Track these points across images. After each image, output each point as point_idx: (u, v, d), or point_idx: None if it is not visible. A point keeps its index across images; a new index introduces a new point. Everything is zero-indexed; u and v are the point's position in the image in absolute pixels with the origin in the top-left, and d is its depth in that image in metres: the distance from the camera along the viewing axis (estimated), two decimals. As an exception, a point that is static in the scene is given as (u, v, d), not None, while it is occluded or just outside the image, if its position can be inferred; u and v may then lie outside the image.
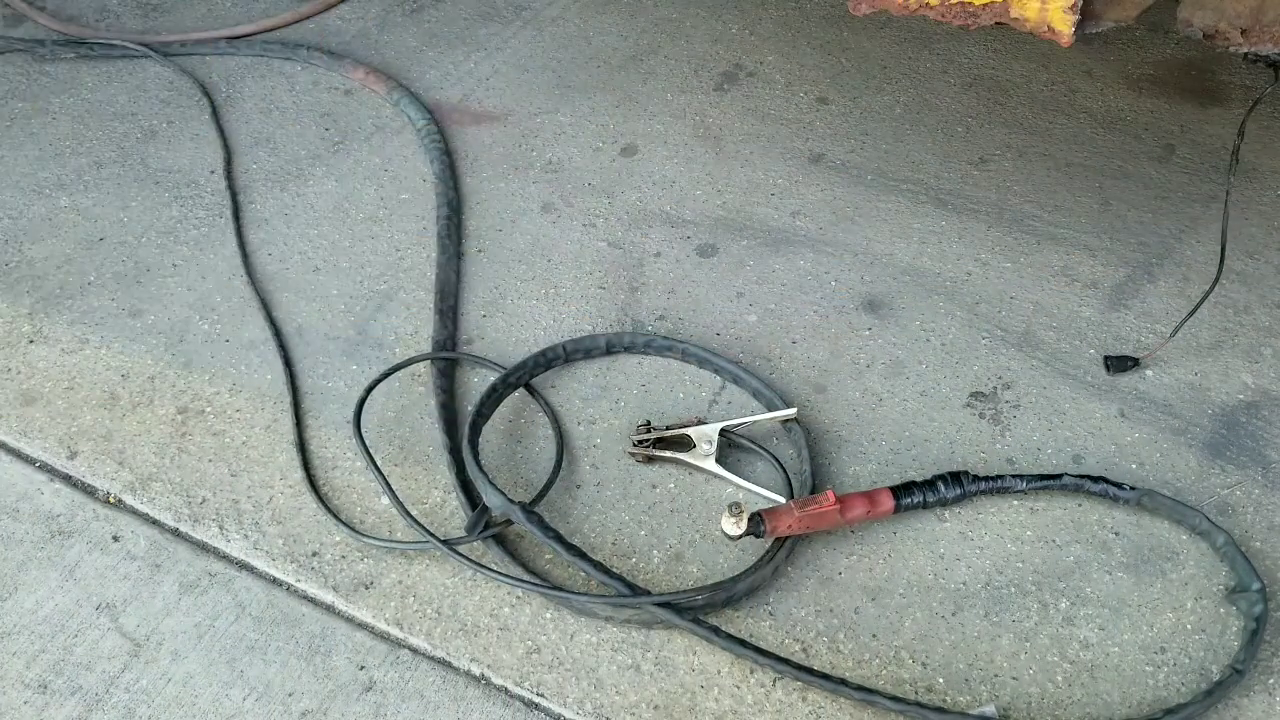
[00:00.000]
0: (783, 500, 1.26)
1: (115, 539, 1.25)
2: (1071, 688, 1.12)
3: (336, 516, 1.26)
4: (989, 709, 1.09)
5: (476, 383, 1.42)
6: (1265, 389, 1.40)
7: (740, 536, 1.18)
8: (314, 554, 1.24)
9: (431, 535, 1.21)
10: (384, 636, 1.17)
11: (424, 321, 1.49)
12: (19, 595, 1.20)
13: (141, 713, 1.11)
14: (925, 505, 1.25)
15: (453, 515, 1.27)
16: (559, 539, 1.19)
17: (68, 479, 1.32)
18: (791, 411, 1.33)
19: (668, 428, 1.34)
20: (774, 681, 1.13)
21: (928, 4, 1.11)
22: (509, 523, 1.22)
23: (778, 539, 1.20)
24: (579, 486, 1.31)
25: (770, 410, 1.35)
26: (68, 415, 1.38)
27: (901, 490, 1.24)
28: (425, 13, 2.05)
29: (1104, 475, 1.28)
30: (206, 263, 1.58)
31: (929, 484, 1.25)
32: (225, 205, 1.65)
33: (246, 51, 1.95)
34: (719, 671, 1.13)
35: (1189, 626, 1.17)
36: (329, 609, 1.20)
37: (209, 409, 1.39)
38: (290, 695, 1.12)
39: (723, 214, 1.65)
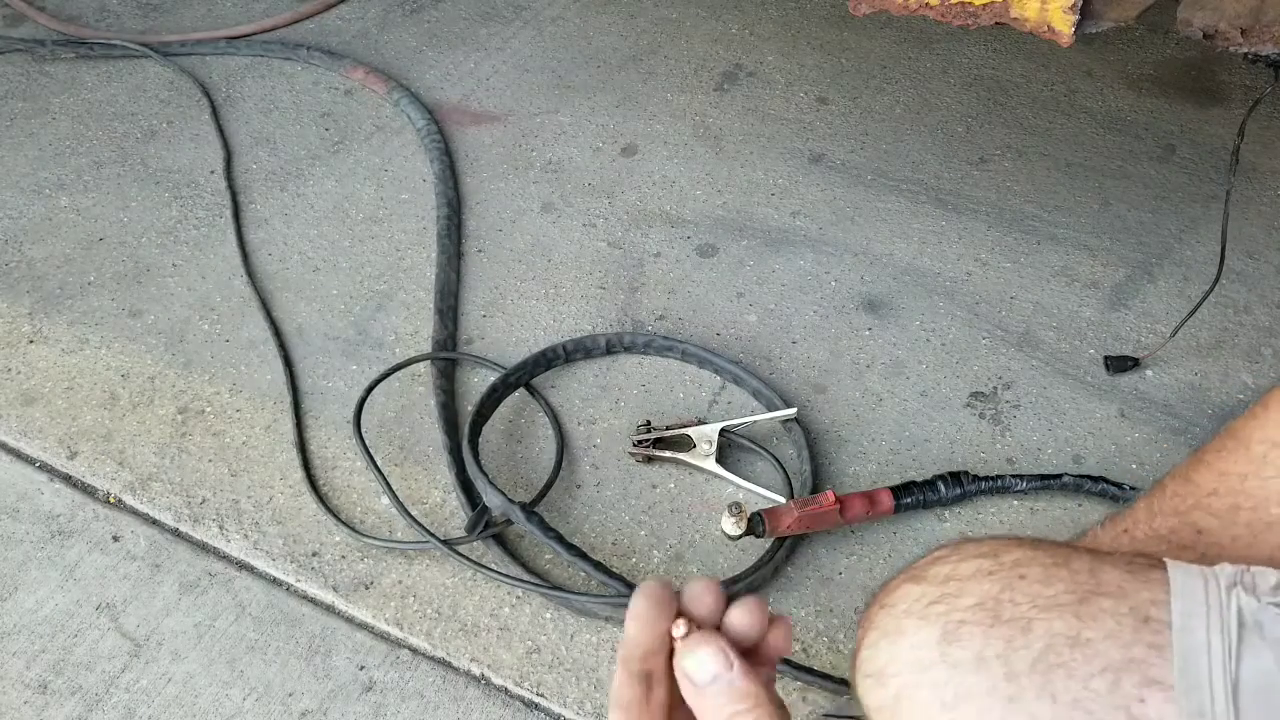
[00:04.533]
0: (783, 500, 1.26)
1: (115, 539, 1.25)
2: (1071, 688, 1.12)
3: (336, 516, 1.26)
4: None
5: (476, 383, 1.42)
6: (1265, 389, 1.39)
7: (740, 536, 1.18)
8: (314, 554, 1.24)
9: (431, 535, 1.21)
10: (384, 636, 1.17)
11: (424, 321, 1.49)
12: (19, 595, 1.20)
13: (142, 713, 1.11)
14: (925, 505, 1.25)
15: (453, 515, 1.27)
16: (559, 539, 1.19)
17: (68, 479, 1.32)
18: (791, 411, 1.33)
19: (668, 428, 1.34)
20: (774, 682, 1.13)
21: (928, 4, 1.11)
22: (509, 523, 1.22)
23: (778, 539, 1.20)
24: (579, 486, 1.31)
25: (770, 410, 1.35)
26: (68, 415, 1.38)
27: (901, 490, 1.24)
28: (425, 13, 2.05)
29: (1104, 475, 1.28)
30: (206, 263, 1.58)
31: (929, 484, 1.25)
32: (225, 205, 1.65)
33: (246, 51, 1.95)
34: (719, 671, 1.13)
35: (1189, 626, 1.17)
36: (329, 609, 1.20)
37: (209, 409, 1.39)
38: (290, 695, 1.12)
39: (723, 214, 1.65)
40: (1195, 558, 0.75)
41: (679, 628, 0.51)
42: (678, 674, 0.49)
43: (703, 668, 0.48)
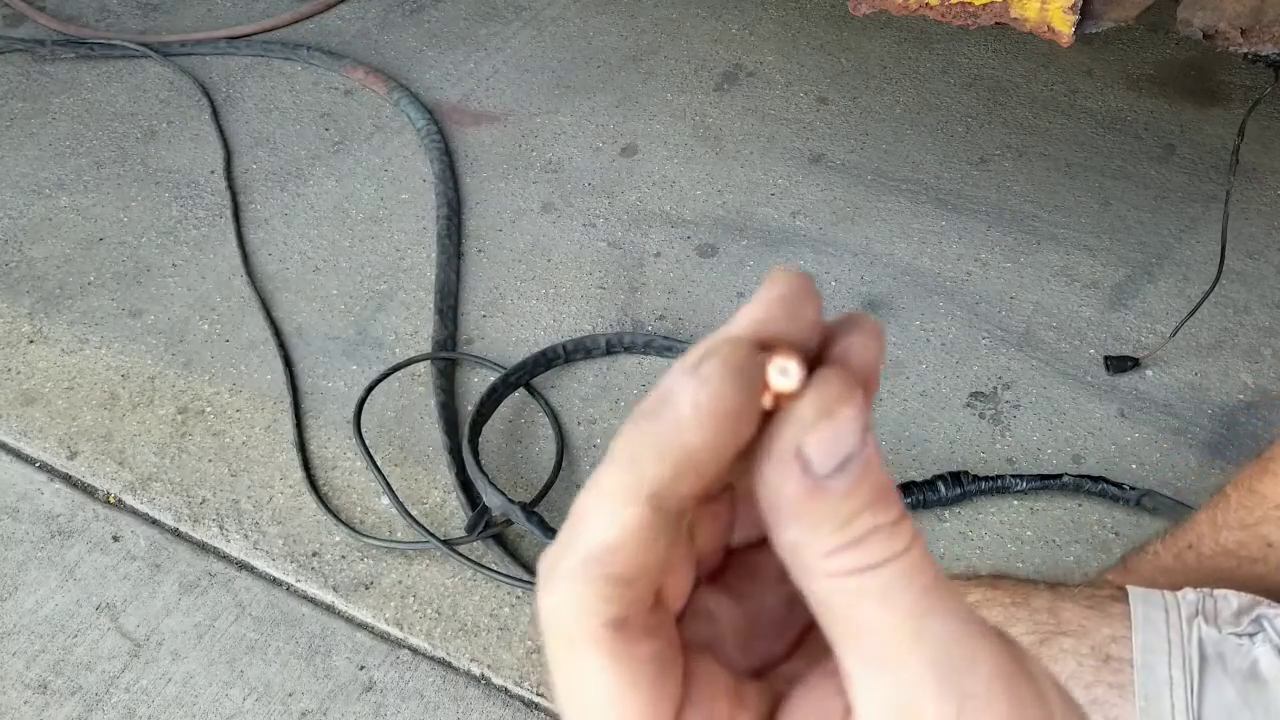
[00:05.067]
0: (783, 500, 1.25)
1: (115, 539, 1.25)
2: (1071, 688, 1.12)
3: (336, 516, 1.26)
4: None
5: (476, 383, 1.42)
6: (1265, 389, 1.40)
7: (740, 536, 1.17)
8: (314, 554, 1.24)
9: (431, 535, 1.21)
10: (384, 636, 1.17)
11: (424, 321, 1.49)
12: (19, 595, 1.20)
13: (141, 713, 1.11)
14: (925, 505, 1.25)
15: (453, 515, 1.27)
16: (559, 539, 1.19)
17: (68, 479, 1.32)
18: (791, 411, 1.32)
19: (668, 428, 1.33)
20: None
21: (928, 4, 1.11)
22: (509, 523, 1.22)
23: (778, 539, 1.20)
24: (579, 487, 1.30)
25: (770, 410, 1.35)
26: (68, 415, 1.38)
27: (901, 490, 1.24)
28: (425, 13, 2.05)
29: (1104, 475, 1.28)
30: (206, 263, 1.58)
31: (929, 484, 1.25)
32: (225, 205, 1.65)
33: (246, 51, 1.95)
34: (719, 671, 1.13)
35: (1189, 626, 1.17)
36: (329, 609, 1.20)
37: (209, 409, 1.39)
38: (290, 695, 1.12)
39: (723, 214, 1.65)
40: (1267, 571, 0.74)
41: (788, 372, 0.26)
42: (775, 461, 0.25)
43: (836, 443, 0.25)
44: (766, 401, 0.26)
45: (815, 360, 0.27)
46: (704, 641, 0.28)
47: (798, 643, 0.29)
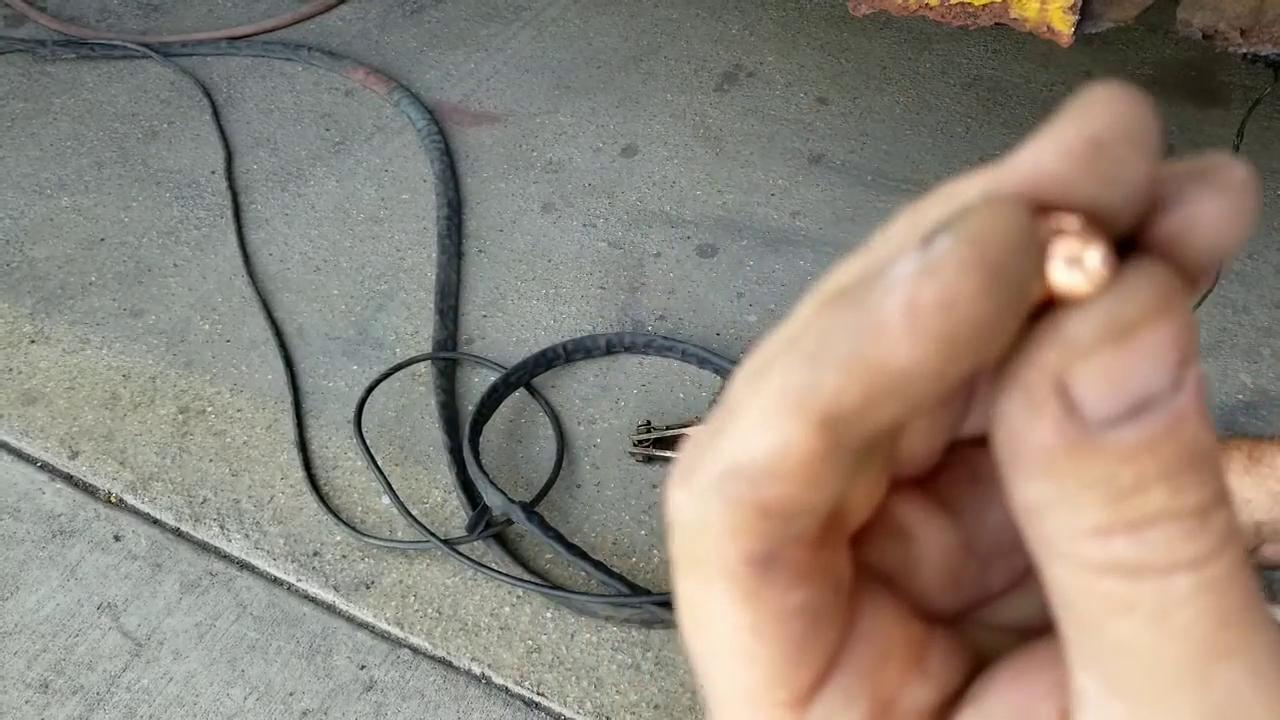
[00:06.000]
0: (783, 500, 1.26)
1: (116, 539, 1.26)
2: (1071, 687, 1.12)
3: (337, 516, 1.26)
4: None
5: (476, 383, 1.42)
6: (1264, 389, 1.40)
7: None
8: (315, 553, 1.24)
9: (432, 535, 1.21)
10: (384, 636, 1.17)
11: (424, 321, 1.49)
12: (20, 595, 1.21)
13: (143, 712, 1.11)
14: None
15: (453, 515, 1.28)
16: (559, 539, 1.19)
17: (69, 479, 1.32)
18: (791, 411, 1.33)
19: (668, 427, 1.34)
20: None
21: (928, 4, 1.11)
22: (509, 522, 1.22)
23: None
24: (579, 486, 1.31)
25: (770, 410, 1.35)
26: (69, 415, 1.38)
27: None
28: (425, 13, 2.06)
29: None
30: (207, 263, 1.58)
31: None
32: (226, 205, 1.66)
33: (247, 51, 1.95)
34: (719, 671, 1.14)
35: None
36: (330, 608, 1.20)
37: (210, 409, 1.39)
38: (291, 694, 1.12)
39: (723, 214, 1.65)
40: None
41: (1083, 265, 0.17)
42: (1023, 391, 0.16)
43: (1128, 380, 0.15)
44: (1034, 294, 0.17)
45: (1129, 236, 0.17)
46: (889, 571, 0.20)
47: (1025, 574, 0.21)
